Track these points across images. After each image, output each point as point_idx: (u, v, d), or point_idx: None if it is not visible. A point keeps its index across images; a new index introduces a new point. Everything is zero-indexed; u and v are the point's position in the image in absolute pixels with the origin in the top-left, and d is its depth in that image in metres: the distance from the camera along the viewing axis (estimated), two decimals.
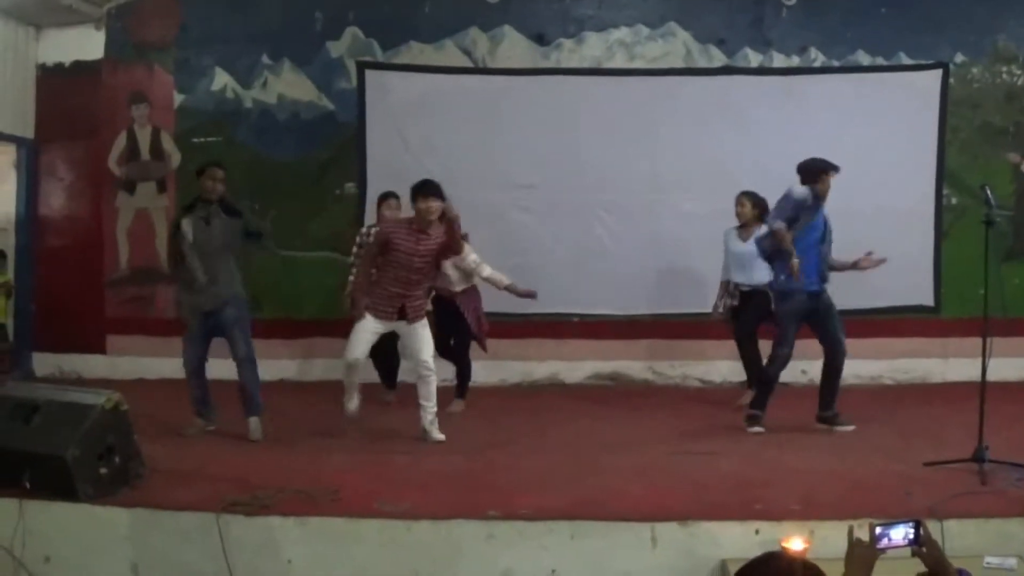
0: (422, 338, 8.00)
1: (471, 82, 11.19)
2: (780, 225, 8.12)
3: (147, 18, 11.30)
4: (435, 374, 8.02)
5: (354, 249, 9.43)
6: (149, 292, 11.28)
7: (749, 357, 9.38)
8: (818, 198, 8.26)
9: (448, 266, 8.73)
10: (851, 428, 8.28)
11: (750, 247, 8.92)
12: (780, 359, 8.30)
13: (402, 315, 7.93)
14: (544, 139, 10.92)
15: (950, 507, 5.78)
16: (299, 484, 6.31)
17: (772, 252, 8.27)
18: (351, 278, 8.89)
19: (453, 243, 7.98)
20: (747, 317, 9.30)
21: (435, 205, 7.79)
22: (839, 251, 10.26)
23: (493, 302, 9.26)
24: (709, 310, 9.73)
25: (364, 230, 9.50)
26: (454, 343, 9.19)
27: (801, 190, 8.23)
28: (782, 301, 8.31)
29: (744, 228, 9.27)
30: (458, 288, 9.01)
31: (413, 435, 7.98)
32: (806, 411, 8.57)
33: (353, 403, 8.21)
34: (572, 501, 6.11)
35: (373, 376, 9.55)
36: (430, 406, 8.00)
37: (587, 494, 6.27)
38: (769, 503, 6.02)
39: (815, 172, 8.28)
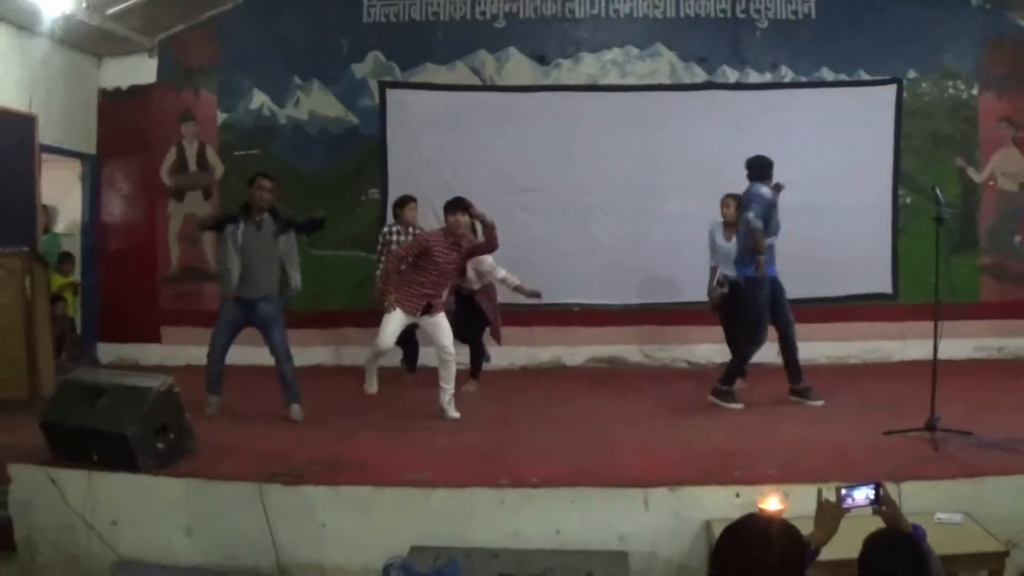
0: (442, 327, 8.04)
1: (480, 98, 11.17)
2: (759, 225, 8.12)
3: (193, 46, 11.32)
4: (455, 358, 8.08)
5: (378, 247, 9.46)
6: (197, 288, 11.30)
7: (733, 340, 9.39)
8: (775, 192, 8.30)
9: (468, 269, 8.81)
10: (821, 403, 8.30)
11: (735, 243, 8.87)
12: (759, 343, 8.32)
13: (427, 311, 7.99)
14: (545, 148, 10.92)
15: (907, 471, 5.82)
16: (331, 457, 6.35)
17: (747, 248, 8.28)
18: (378, 273, 8.91)
19: (489, 244, 8.09)
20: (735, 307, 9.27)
21: (463, 219, 7.92)
22: (808, 246, 10.35)
23: (502, 295, 9.27)
24: (694, 300, 9.74)
25: (385, 229, 9.56)
26: (470, 330, 9.18)
27: (767, 191, 8.24)
28: (758, 292, 8.29)
29: (729, 227, 9.14)
30: (476, 287, 9.08)
31: (432, 413, 8.00)
32: (782, 388, 8.58)
33: (373, 386, 8.33)
34: (574, 470, 6.14)
35: (393, 360, 9.59)
36: (449, 388, 8.04)
37: (587, 464, 6.30)
38: (748, 470, 6.04)
39: (767, 168, 8.37)
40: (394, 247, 8.87)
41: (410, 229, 9.42)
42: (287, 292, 8.03)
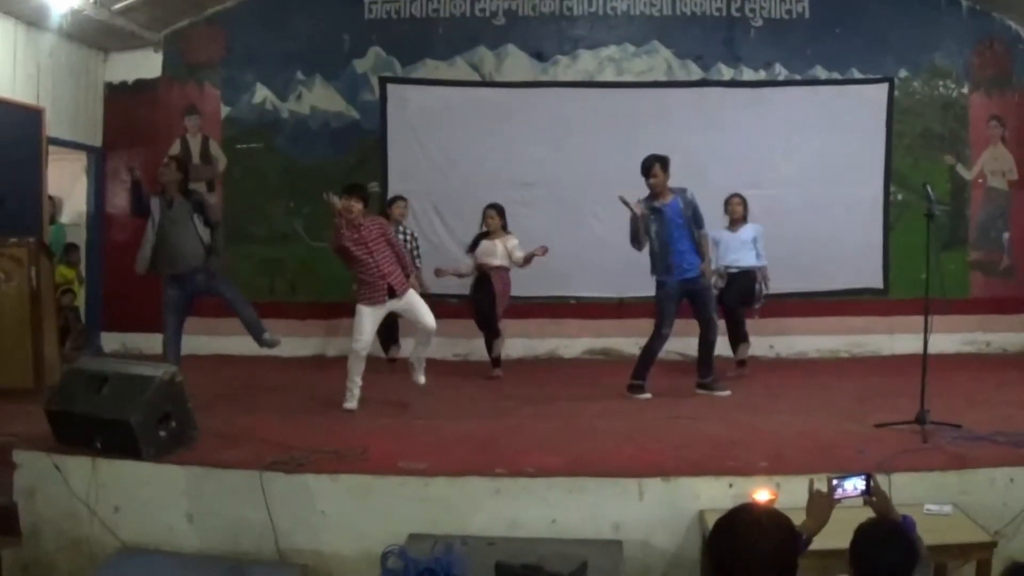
0: (417, 305, 8.01)
1: (479, 94, 11.16)
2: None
3: (198, 42, 11.32)
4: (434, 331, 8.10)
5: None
6: None
7: (733, 330, 9.48)
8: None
9: (498, 244, 9.37)
10: (727, 393, 8.37)
11: (739, 234, 9.40)
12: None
13: (391, 294, 7.87)
14: (543, 143, 10.90)
15: (897, 462, 5.81)
16: (331, 446, 6.32)
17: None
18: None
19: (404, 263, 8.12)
20: (731, 295, 9.34)
21: (353, 205, 7.80)
22: (800, 241, 10.37)
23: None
24: None
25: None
26: (489, 316, 9.54)
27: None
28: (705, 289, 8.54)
29: (733, 223, 9.52)
30: (495, 263, 9.45)
31: (431, 404, 8.00)
32: (774, 381, 8.58)
33: (353, 403, 8.05)
34: (570, 460, 6.11)
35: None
36: (423, 354, 8.20)
37: (583, 454, 6.27)
38: (741, 461, 6.02)
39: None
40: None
41: (399, 227, 9.47)
42: (212, 260, 8.23)
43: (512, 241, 9.50)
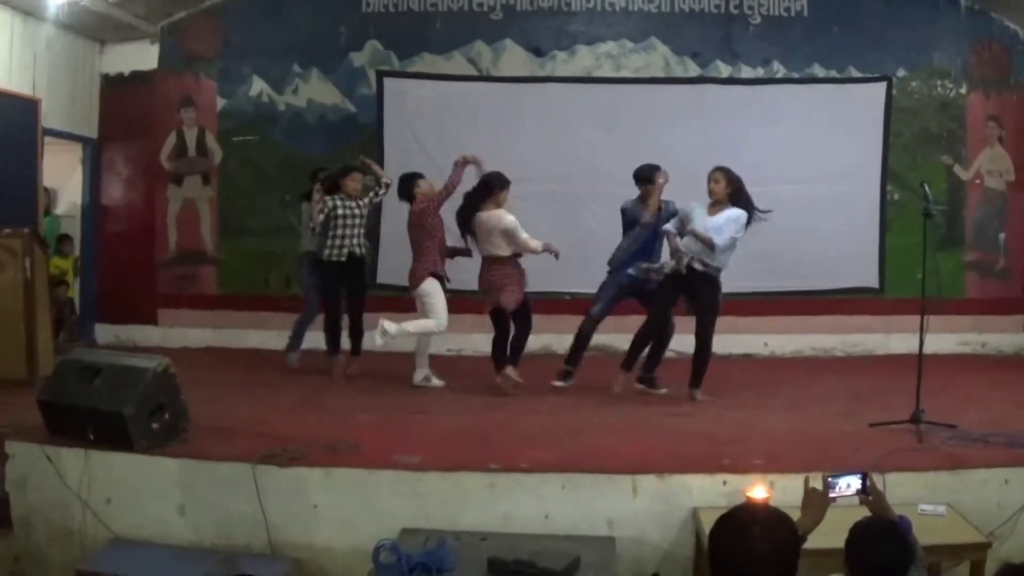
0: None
1: (476, 89, 11.15)
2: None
3: (194, 34, 11.28)
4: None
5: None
6: (194, 271, 11.29)
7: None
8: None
9: (496, 233, 8.40)
10: (665, 391, 8.33)
11: (715, 222, 7.94)
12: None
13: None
14: (540, 138, 10.87)
15: (891, 461, 5.80)
16: (325, 439, 6.31)
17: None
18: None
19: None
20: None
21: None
22: (796, 240, 10.36)
23: None
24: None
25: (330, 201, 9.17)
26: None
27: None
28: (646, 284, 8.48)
29: (716, 205, 8.06)
30: (503, 253, 8.49)
31: (427, 398, 8.03)
32: (769, 379, 8.57)
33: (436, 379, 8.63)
34: (564, 456, 6.11)
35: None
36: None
37: (577, 450, 6.27)
38: (736, 458, 6.01)
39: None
40: (340, 210, 8.94)
41: (350, 202, 9.03)
42: None
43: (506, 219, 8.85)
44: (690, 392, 8.14)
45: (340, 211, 8.90)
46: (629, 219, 8.51)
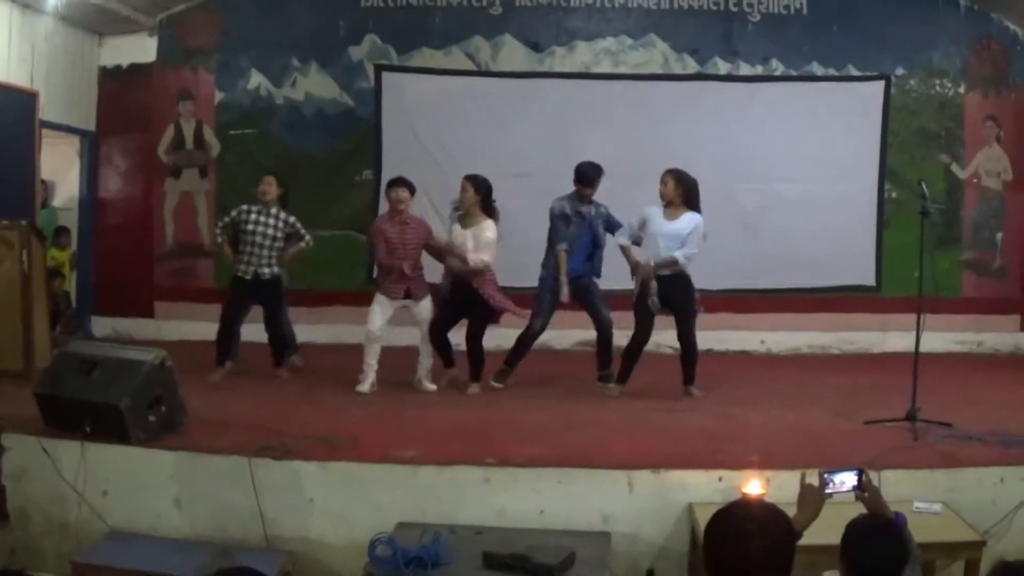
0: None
1: (474, 83, 11.14)
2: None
3: (193, 27, 11.27)
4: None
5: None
6: (192, 264, 11.30)
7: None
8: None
9: (468, 236, 8.24)
10: (616, 389, 8.25)
11: (675, 227, 7.88)
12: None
13: (407, 295, 8.17)
14: (537, 134, 10.87)
15: (887, 459, 5.82)
16: (321, 433, 6.31)
17: None
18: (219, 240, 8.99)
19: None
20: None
21: (403, 195, 8.12)
22: (793, 237, 10.36)
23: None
24: None
25: (245, 207, 8.75)
26: (469, 329, 8.41)
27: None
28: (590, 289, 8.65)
29: (670, 207, 7.97)
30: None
31: (421, 393, 8.05)
32: (765, 376, 8.57)
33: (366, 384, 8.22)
34: (560, 451, 6.12)
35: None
36: (427, 362, 8.28)
37: (573, 445, 6.28)
38: (731, 454, 6.03)
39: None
40: (250, 225, 8.46)
41: (271, 210, 8.58)
42: None
43: (486, 234, 8.33)
44: (686, 390, 8.15)
45: (250, 225, 8.50)
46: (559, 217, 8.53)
